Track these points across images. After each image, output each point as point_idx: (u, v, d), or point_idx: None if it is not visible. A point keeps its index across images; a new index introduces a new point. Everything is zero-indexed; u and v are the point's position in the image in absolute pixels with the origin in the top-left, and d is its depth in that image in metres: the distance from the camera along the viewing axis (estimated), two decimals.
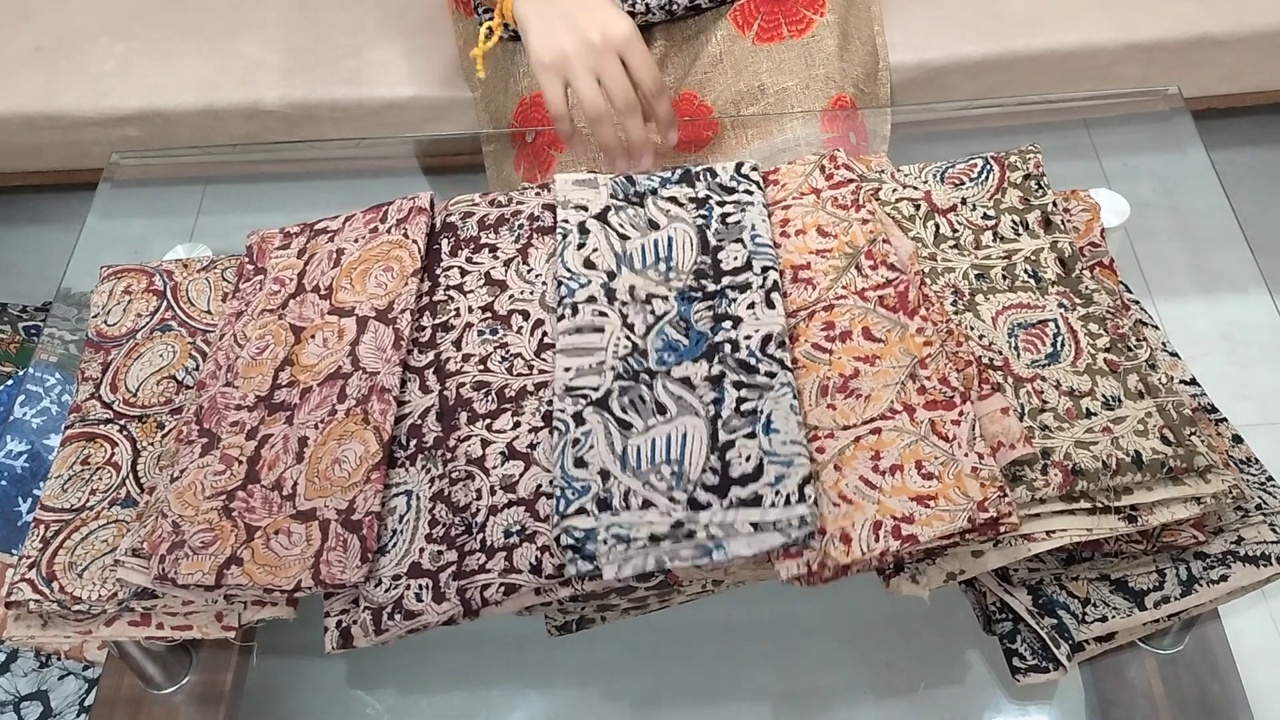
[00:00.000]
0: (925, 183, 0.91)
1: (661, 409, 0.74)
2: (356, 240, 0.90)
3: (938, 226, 0.88)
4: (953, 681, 0.89)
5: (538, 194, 0.91)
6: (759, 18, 1.31)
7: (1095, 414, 0.75)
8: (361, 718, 0.90)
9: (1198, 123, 1.10)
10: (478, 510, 0.73)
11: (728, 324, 0.78)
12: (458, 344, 0.82)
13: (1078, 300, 0.82)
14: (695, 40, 1.35)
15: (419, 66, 1.52)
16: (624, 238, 0.85)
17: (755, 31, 1.31)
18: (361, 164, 1.38)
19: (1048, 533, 0.72)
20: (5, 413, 0.95)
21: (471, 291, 0.85)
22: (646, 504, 0.70)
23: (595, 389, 0.76)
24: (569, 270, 0.82)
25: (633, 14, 1.32)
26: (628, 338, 0.77)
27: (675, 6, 1.32)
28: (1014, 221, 0.87)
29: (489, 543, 0.72)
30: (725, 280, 0.81)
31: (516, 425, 0.77)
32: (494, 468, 0.75)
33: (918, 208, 0.89)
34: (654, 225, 0.85)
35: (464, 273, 0.87)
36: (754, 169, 0.88)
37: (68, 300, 1.04)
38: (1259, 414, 0.89)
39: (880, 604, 0.77)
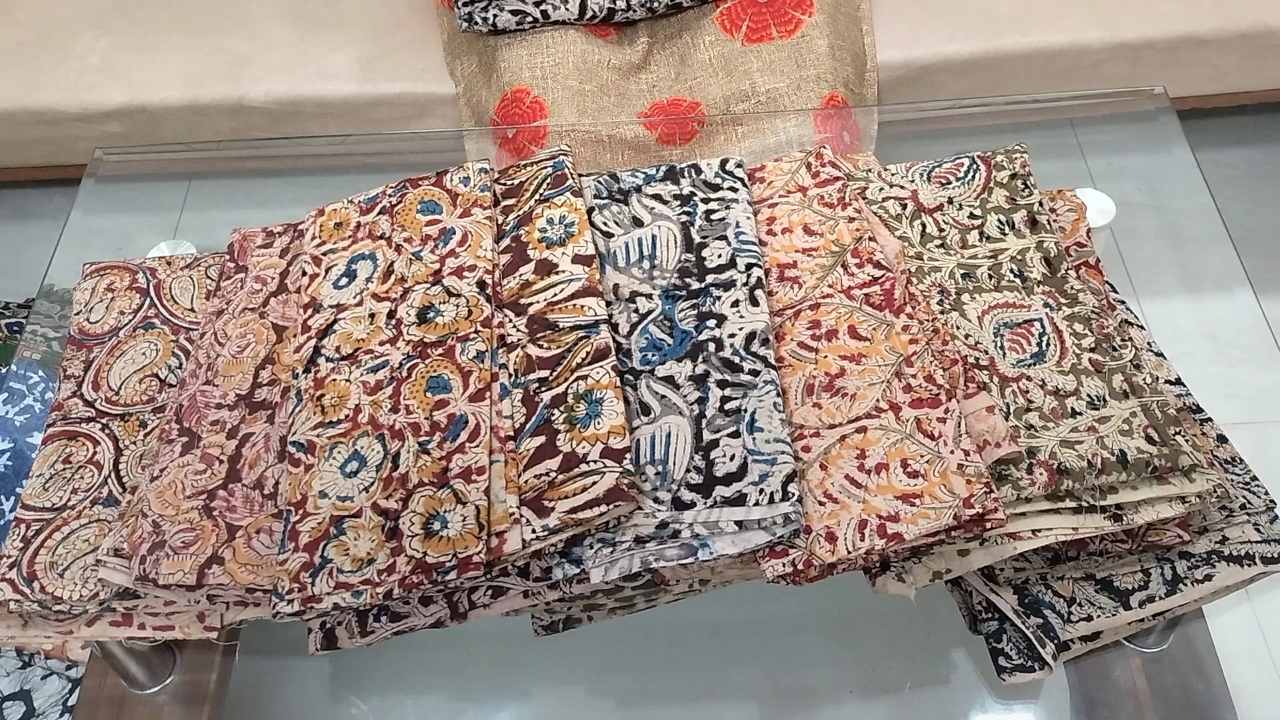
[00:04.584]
0: (912, 182, 0.91)
1: (646, 409, 0.74)
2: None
3: (924, 225, 0.88)
4: (938, 680, 0.89)
5: None
6: (746, 19, 1.31)
7: (1080, 413, 0.75)
8: (347, 718, 0.90)
9: (1183, 122, 1.10)
10: None
11: (712, 322, 0.78)
12: None
13: (1063, 300, 0.82)
14: (680, 40, 1.35)
15: (404, 62, 1.52)
16: (608, 235, 0.84)
17: (744, 33, 1.31)
18: (346, 160, 1.37)
19: (1033, 531, 0.72)
20: None
21: None
22: None
23: None
24: None
25: (613, 10, 1.31)
26: (612, 337, 0.77)
27: (656, 4, 1.32)
28: (1000, 221, 0.87)
29: None
30: (709, 278, 0.80)
31: None
32: None
33: (904, 207, 0.89)
34: (638, 222, 0.85)
35: None
36: (739, 165, 0.88)
37: (51, 297, 1.03)
38: (1244, 413, 0.90)
39: (866, 603, 0.77)
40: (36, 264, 1.06)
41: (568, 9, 1.31)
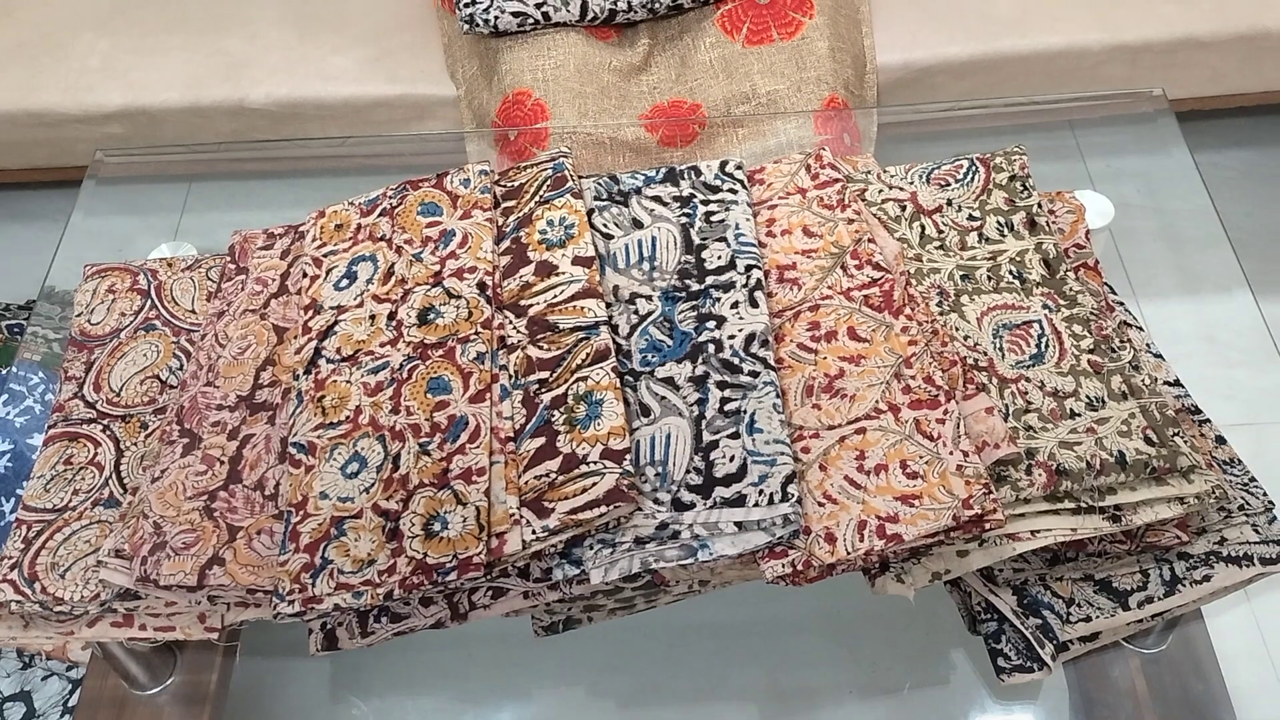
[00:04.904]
0: (911, 184, 0.91)
1: (646, 410, 0.74)
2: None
3: (923, 227, 0.88)
4: (938, 681, 0.89)
5: None
6: (747, 21, 1.31)
7: (1079, 414, 0.75)
8: (348, 719, 0.90)
9: (1182, 124, 1.10)
10: None
11: (711, 324, 0.78)
12: None
13: (1062, 301, 0.82)
14: (680, 42, 1.35)
15: (404, 64, 1.52)
16: (608, 237, 0.85)
17: (744, 35, 1.31)
18: (347, 162, 1.38)
19: (1032, 532, 0.72)
20: None
21: None
22: None
23: None
24: None
25: (614, 11, 1.32)
26: (612, 338, 0.77)
27: (657, 5, 1.32)
28: (999, 223, 0.88)
29: None
30: (709, 279, 0.81)
31: None
32: None
33: (904, 208, 0.90)
34: (638, 224, 0.85)
35: None
36: (739, 167, 0.88)
37: (51, 298, 1.04)
38: (1242, 415, 0.90)
39: (866, 603, 0.77)
40: (37, 266, 1.07)
41: (569, 10, 1.31)
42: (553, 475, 0.70)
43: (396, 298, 0.81)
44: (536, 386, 0.75)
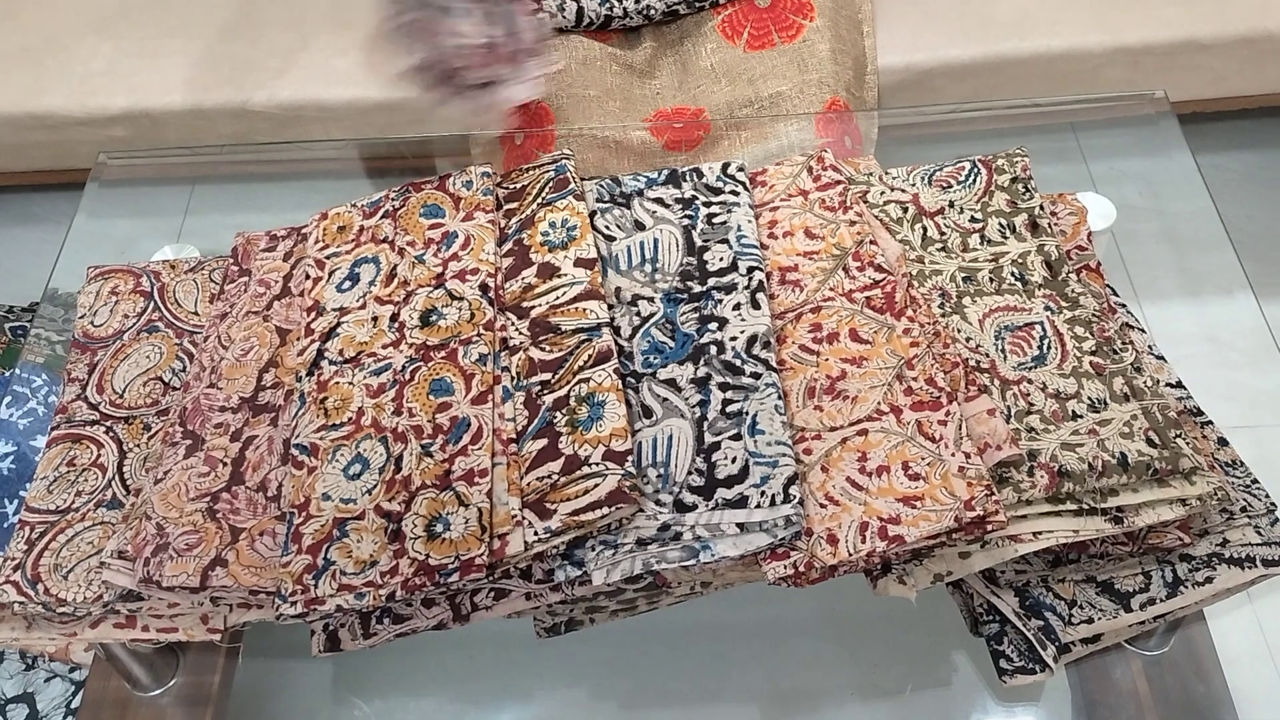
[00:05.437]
0: (913, 185, 0.92)
1: (648, 412, 0.74)
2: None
3: (925, 229, 0.88)
4: (940, 682, 0.89)
5: None
6: (748, 25, 1.31)
7: (1081, 416, 0.75)
8: (349, 719, 0.90)
9: (1183, 126, 1.10)
10: None
11: (713, 325, 0.78)
12: None
13: (1064, 303, 0.82)
14: (682, 48, 1.35)
15: None
16: (610, 239, 0.85)
17: (745, 40, 1.31)
18: (349, 165, 1.38)
19: (1034, 534, 0.72)
20: None
21: None
22: None
23: None
24: None
25: (610, 17, 1.32)
26: (614, 340, 0.77)
27: (652, 11, 1.32)
28: (1001, 224, 0.88)
29: None
30: (711, 281, 0.81)
31: None
32: None
33: (905, 210, 0.90)
34: (640, 226, 0.85)
35: None
36: (740, 169, 0.89)
37: (55, 301, 1.04)
38: (1244, 416, 0.90)
39: (867, 605, 0.77)
40: (40, 268, 1.07)
41: (564, 16, 1.31)
42: (555, 477, 0.70)
43: (399, 299, 0.81)
44: (539, 388, 0.75)
